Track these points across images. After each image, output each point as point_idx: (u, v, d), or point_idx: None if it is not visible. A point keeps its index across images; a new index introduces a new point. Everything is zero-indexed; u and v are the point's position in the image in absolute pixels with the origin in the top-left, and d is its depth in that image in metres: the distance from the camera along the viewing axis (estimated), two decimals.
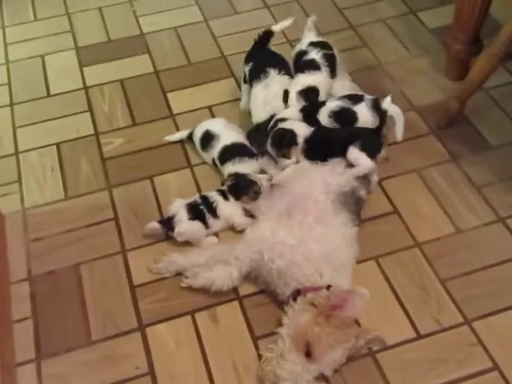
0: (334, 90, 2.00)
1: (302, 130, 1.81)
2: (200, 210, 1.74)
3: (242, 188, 1.76)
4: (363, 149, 1.74)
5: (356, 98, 1.86)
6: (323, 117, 1.85)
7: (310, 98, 1.90)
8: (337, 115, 1.83)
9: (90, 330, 1.61)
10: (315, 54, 1.98)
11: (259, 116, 1.91)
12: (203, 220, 1.74)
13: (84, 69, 2.35)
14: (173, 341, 1.58)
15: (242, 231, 1.74)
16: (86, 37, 2.48)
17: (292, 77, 1.97)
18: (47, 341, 1.60)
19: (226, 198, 1.77)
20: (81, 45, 2.45)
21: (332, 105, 1.86)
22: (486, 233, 1.78)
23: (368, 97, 1.86)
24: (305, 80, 1.94)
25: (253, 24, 2.48)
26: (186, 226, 1.72)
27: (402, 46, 2.37)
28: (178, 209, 1.75)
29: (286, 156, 1.80)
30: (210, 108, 2.14)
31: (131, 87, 2.26)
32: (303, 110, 1.87)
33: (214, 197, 1.77)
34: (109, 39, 2.47)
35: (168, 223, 1.74)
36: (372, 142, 1.77)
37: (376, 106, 1.83)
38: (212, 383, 1.51)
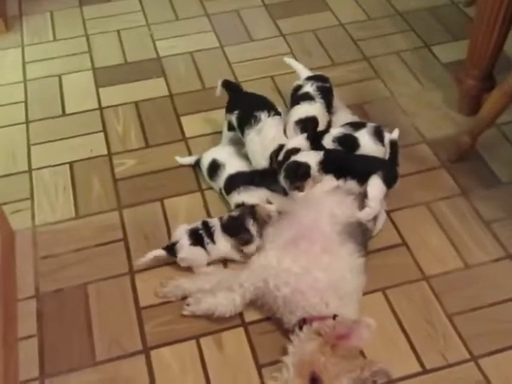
0: (338, 122, 2.00)
1: (314, 159, 1.81)
2: (199, 235, 1.74)
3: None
4: (384, 179, 1.75)
5: (357, 125, 1.89)
6: (328, 143, 1.86)
7: (309, 127, 1.90)
8: (340, 140, 1.85)
9: (95, 350, 1.61)
10: (309, 87, 2.00)
11: (259, 164, 1.87)
12: (203, 245, 1.74)
13: (100, 89, 2.38)
14: (177, 365, 1.58)
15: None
16: (104, 58, 2.52)
17: (280, 114, 1.94)
18: (51, 359, 1.59)
19: None
20: (98, 66, 2.49)
21: (335, 131, 1.88)
22: (494, 269, 1.77)
23: (370, 124, 1.88)
24: (301, 111, 1.95)
25: (268, 52, 2.52)
26: (187, 252, 1.72)
27: (415, 79, 2.39)
28: (180, 235, 1.75)
29: (300, 189, 1.78)
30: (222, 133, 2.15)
31: (145, 109, 2.29)
32: (309, 138, 1.88)
33: (214, 222, 1.76)
34: (125, 61, 2.51)
35: (171, 249, 1.74)
36: (391, 173, 1.79)
37: (378, 133, 1.84)
38: None
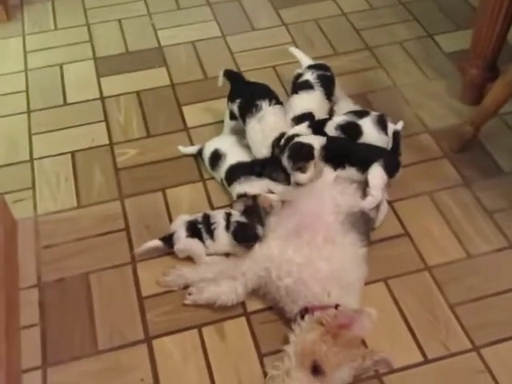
0: (340, 112, 2.00)
1: (318, 142, 1.80)
2: (198, 229, 1.73)
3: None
4: (385, 167, 1.75)
5: (361, 113, 1.89)
6: (330, 130, 1.85)
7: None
8: (343, 128, 1.84)
9: (97, 339, 1.61)
10: (310, 75, 2.00)
11: (260, 153, 1.86)
12: (201, 238, 1.73)
13: (101, 79, 2.37)
14: (179, 354, 1.58)
15: None
16: (105, 48, 2.51)
17: (281, 103, 1.94)
18: (54, 348, 1.60)
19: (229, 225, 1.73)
20: (99, 55, 2.48)
21: (338, 119, 1.88)
22: (496, 259, 1.77)
23: (374, 113, 1.88)
24: (298, 104, 1.94)
25: (270, 41, 2.51)
26: (183, 244, 1.72)
27: (418, 68, 2.38)
28: (178, 226, 1.75)
29: (302, 170, 1.75)
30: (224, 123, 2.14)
31: (147, 99, 2.28)
32: (311, 126, 1.87)
33: (217, 218, 1.74)
34: (127, 51, 2.50)
35: (169, 240, 1.74)
36: (392, 162, 1.79)
37: (381, 122, 1.84)
38: None
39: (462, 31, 2.49)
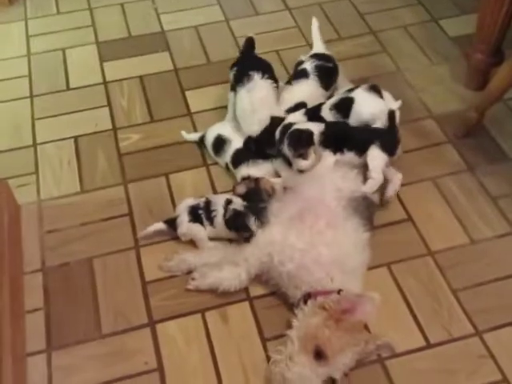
0: None
1: (315, 128, 1.80)
2: (199, 215, 1.74)
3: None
4: (383, 147, 1.74)
5: (353, 88, 1.89)
6: (326, 112, 1.86)
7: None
8: (336, 106, 1.85)
9: (101, 323, 1.62)
10: (308, 65, 1.99)
11: (251, 130, 1.86)
12: (202, 224, 1.74)
13: (104, 64, 2.36)
14: (182, 338, 1.59)
15: None
16: (108, 32, 2.50)
17: (276, 81, 1.94)
18: (58, 332, 1.61)
19: None
20: (102, 40, 2.47)
21: (332, 100, 1.88)
22: (500, 245, 1.77)
23: (366, 84, 1.87)
24: (290, 96, 1.95)
25: (273, 26, 2.49)
26: (186, 228, 1.73)
27: (422, 53, 2.37)
28: (182, 210, 1.76)
29: (303, 157, 1.76)
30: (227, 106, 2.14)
31: (150, 84, 2.27)
32: (307, 113, 1.87)
33: (217, 206, 1.74)
34: (130, 35, 2.49)
35: (172, 224, 1.75)
36: (390, 140, 1.77)
37: (373, 88, 1.83)
38: (220, 382, 1.51)
39: (467, 16, 2.47)
